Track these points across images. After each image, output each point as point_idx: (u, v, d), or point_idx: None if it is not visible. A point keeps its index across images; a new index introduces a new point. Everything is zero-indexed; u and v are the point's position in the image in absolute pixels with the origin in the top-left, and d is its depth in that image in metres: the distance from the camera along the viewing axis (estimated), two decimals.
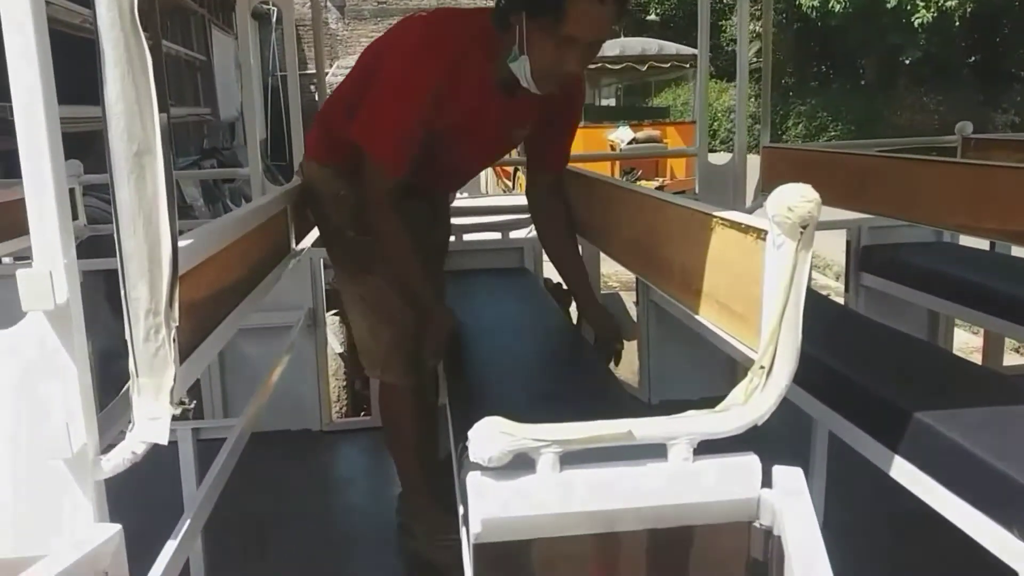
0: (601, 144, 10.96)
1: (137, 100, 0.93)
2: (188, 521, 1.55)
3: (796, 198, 1.03)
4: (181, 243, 1.17)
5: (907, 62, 18.43)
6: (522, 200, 2.42)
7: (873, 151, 3.39)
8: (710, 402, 3.42)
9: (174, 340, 1.00)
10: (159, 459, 1.28)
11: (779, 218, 1.04)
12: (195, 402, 3.29)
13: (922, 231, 3.25)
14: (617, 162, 10.39)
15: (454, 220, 3.06)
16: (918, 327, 3.34)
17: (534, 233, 3.10)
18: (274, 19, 8.84)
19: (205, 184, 7.51)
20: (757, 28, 20.55)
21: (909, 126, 17.59)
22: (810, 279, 3.03)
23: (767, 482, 1.10)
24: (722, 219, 1.25)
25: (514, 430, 1.06)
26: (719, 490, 1.09)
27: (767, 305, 1.09)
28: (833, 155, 3.22)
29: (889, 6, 16.42)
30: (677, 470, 1.09)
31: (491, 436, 1.05)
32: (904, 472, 1.59)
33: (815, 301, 2.73)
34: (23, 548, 0.99)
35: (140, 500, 1.40)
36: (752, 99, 20.79)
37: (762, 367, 1.11)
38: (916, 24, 16.54)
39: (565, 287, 2.40)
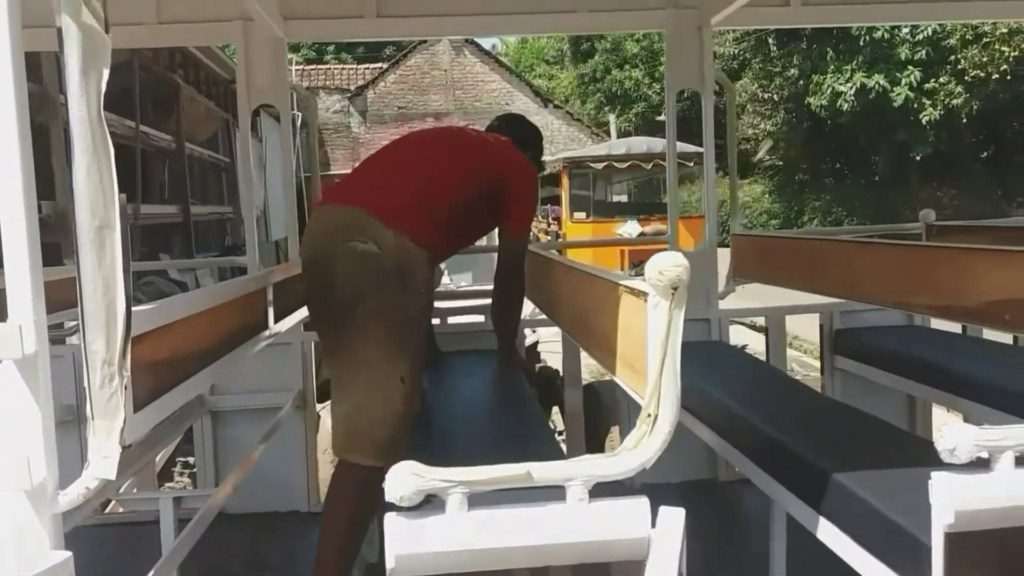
0: (611, 237, 11.23)
1: (100, 183, 1.11)
2: (166, 561, 1.68)
3: (666, 263, 1.18)
4: (148, 307, 1.35)
5: (918, 158, 18.75)
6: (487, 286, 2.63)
7: (841, 237, 3.54)
8: (692, 486, 3.48)
9: (126, 388, 1.15)
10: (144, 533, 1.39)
11: (653, 280, 1.19)
12: (188, 472, 3.42)
13: (893, 314, 3.36)
14: (626, 256, 10.61)
15: (440, 304, 3.24)
16: (896, 410, 3.41)
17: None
18: (299, 123, 9.28)
19: (222, 274, 7.81)
20: (768, 127, 20.92)
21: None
22: (786, 362, 3.14)
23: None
24: (623, 286, 1.40)
25: (424, 472, 1.20)
26: (612, 529, 1.21)
27: (649, 359, 1.23)
28: (799, 241, 3.38)
29: (896, 105, 16.86)
30: (573, 510, 1.22)
31: (402, 477, 1.19)
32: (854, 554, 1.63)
33: (785, 384, 2.85)
34: None
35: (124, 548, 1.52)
36: (767, 195, 21.07)
37: (649, 415, 1.24)
38: (924, 121, 16.94)
39: (550, 369, 2.58)
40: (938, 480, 1.27)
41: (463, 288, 7.60)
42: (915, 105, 16.92)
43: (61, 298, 2.90)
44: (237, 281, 2.03)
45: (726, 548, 2.85)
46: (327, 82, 20.83)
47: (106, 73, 1.11)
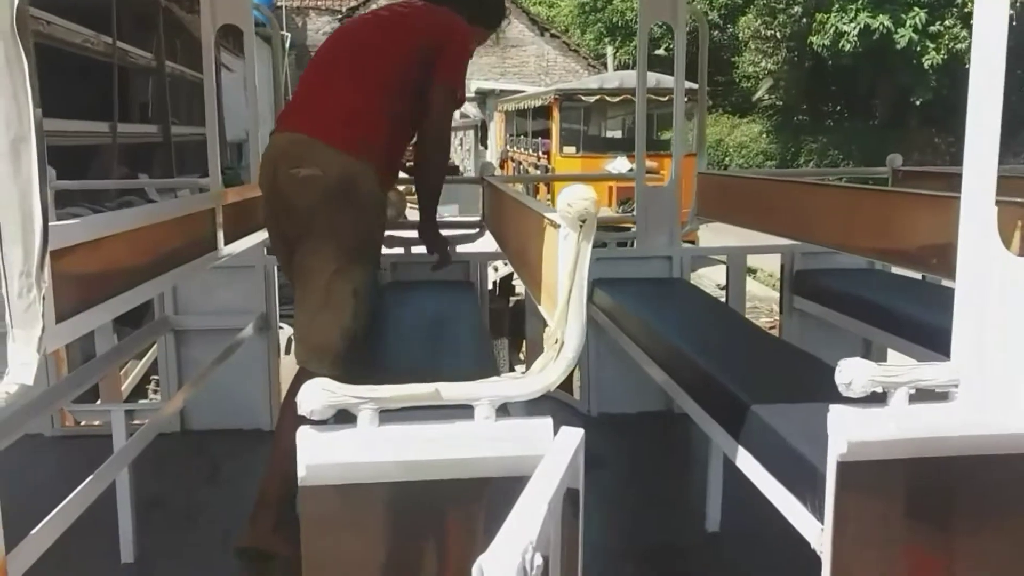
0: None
1: (15, 96, 1.13)
2: (94, 474, 1.75)
3: (575, 196, 1.21)
4: (76, 222, 1.38)
5: (918, 103, 18.56)
6: (471, 217, 2.62)
7: (805, 179, 3.56)
8: (649, 416, 3.60)
9: (44, 299, 1.19)
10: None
11: (562, 213, 1.22)
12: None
13: (854, 258, 3.39)
14: (614, 192, 10.58)
15: (404, 233, 3.26)
16: (851, 353, 3.45)
17: (481, 248, 3.30)
18: (287, 44, 9.11)
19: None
20: (769, 66, 20.58)
21: (919, 165, 17.71)
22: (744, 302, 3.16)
23: None
24: (546, 217, 1.43)
25: (336, 388, 1.24)
26: (514, 446, 1.27)
27: (559, 287, 1.27)
28: (764, 182, 3.39)
29: (899, 47, 16.61)
30: (479, 428, 1.27)
31: (314, 393, 1.23)
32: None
33: (734, 323, 2.90)
34: None
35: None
36: (764, 135, 20.90)
37: (556, 341, 1.28)
38: (926, 65, 16.71)
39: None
40: (835, 412, 1.33)
41: (447, 219, 7.59)
42: (918, 48, 16.65)
43: None
44: (181, 200, 2.06)
45: (670, 477, 2.95)
46: (318, 3, 20.39)
47: None
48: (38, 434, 3.06)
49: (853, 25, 16.66)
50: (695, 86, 3.93)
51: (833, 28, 17.01)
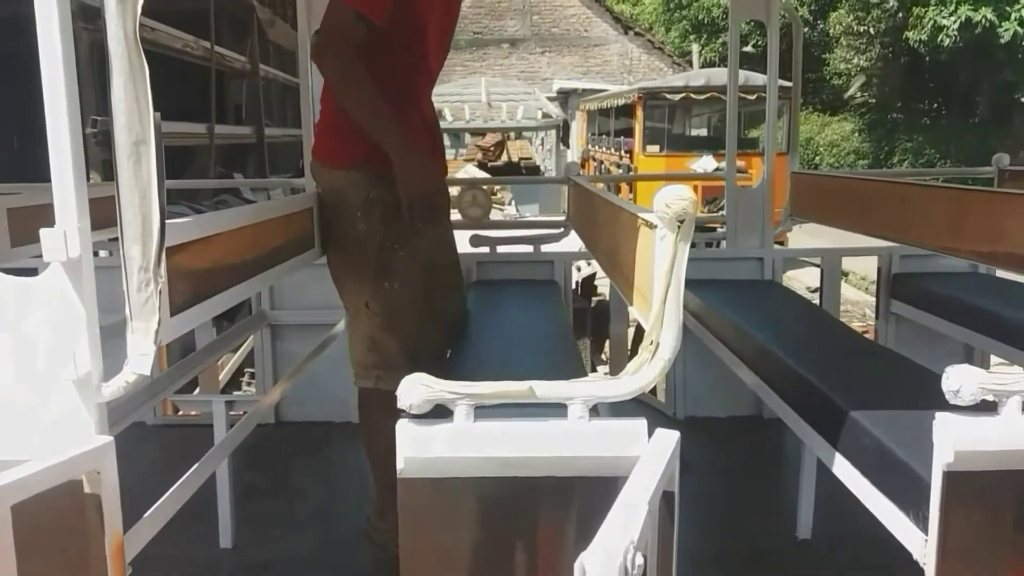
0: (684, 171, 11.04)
1: (136, 100, 1.19)
2: (201, 461, 1.83)
3: (673, 197, 1.20)
4: (188, 220, 1.45)
5: (1023, 99, 17.70)
6: (555, 217, 2.62)
7: (905, 179, 3.44)
8: (738, 421, 3.55)
9: (160, 293, 1.25)
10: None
11: (660, 213, 1.22)
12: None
13: (956, 261, 3.26)
14: (699, 192, 10.42)
15: (490, 233, 3.29)
16: (952, 359, 3.32)
17: (565, 248, 3.30)
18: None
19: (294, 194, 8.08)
20: (862, 62, 19.91)
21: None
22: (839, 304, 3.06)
23: None
24: (641, 218, 1.43)
25: (433, 383, 1.27)
26: (608, 447, 1.27)
27: (655, 289, 1.26)
28: (861, 181, 3.29)
29: (1003, 41, 15.85)
30: (573, 427, 1.28)
31: (413, 387, 1.26)
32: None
33: (829, 327, 2.82)
34: (38, 452, 1.25)
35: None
36: (857, 134, 20.24)
37: (651, 342, 1.28)
38: None
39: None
40: (941, 420, 1.28)
41: (526, 219, 7.63)
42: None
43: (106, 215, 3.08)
44: (282, 201, 2.13)
45: (761, 483, 2.90)
46: None
47: None
48: (141, 422, 3.22)
49: (953, 19, 15.98)
50: (784, 84, 3.84)
51: (931, 22, 16.35)
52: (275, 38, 9.06)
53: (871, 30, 18.83)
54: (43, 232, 1.19)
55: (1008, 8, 15.66)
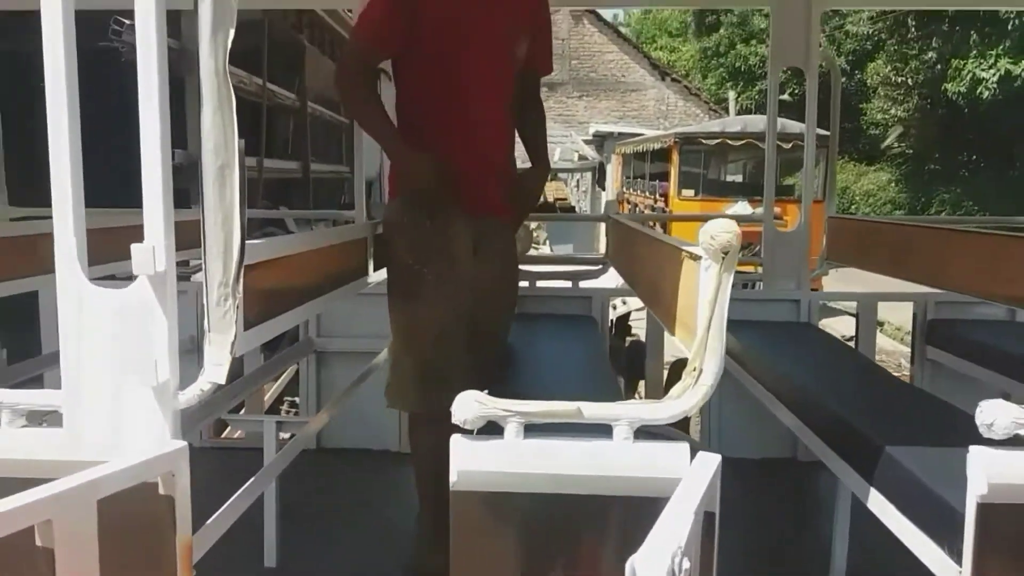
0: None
1: (223, 128, 1.30)
2: (253, 479, 1.91)
3: (718, 229, 1.28)
4: (260, 242, 1.55)
5: None
6: (594, 254, 2.70)
7: (943, 225, 3.47)
8: (772, 463, 3.57)
9: (237, 307, 1.34)
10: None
11: (705, 245, 1.29)
12: (294, 410, 3.75)
13: (993, 308, 3.28)
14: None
15: (530, 268, 3.37)
16: None
17: (606, 284, 3.37)
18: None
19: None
20: (899, 113, 19.86)
21: None
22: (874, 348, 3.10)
23: None
24: (684, 251, 1.50)
25: (486, 401, 1.35)
26: (651, 468, 1.33)
27: (699, 317, 1.33)
28: (899, 227, 3.33)
29: None
30: (618, 447, 1.34)
31: (467, 403, 1.34)
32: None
33: (865, 369, 2.86)
34: (115, 453, 1.34)
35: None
36: (893, 184, 20.12)
37: (694, 368, 1.34)
38: None
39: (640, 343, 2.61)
40: (975, 453, 1.33)
41: (545, 255, 7.72)
42: None
43: (188, 238, 3.21)
44: (340, 229, 2.24)
45: (795, 523, 2.91)
46: None
47: (232, 32, 1.29)
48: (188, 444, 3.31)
49: (992, 72, 15.97)
50: (821, 132, 3.91)
51: (970, 75, 16.34)
52: (323, 78, 9.35)
53: (909, 81, 18.84)
54: (134, 247, 1.29)
55: None
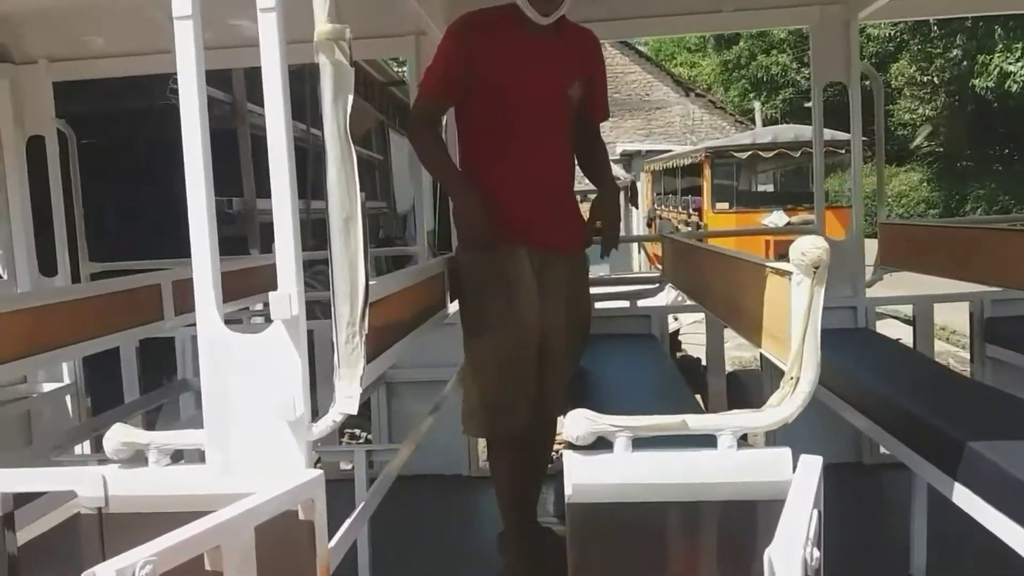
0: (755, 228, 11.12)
1: (347, 184, 1.42)
2: (359, 510, 2.02)
3: (808, 246, 1.37)
4: (373, 282, 1.67)
5: None
6: (651, 274, 2.81)
7: (993, 225, 3.52)
8: (839, 467, 3.61)
9: (364, 344, 1.46)
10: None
11: (796, 261, 1.39)
12: (368, 436, 3.85)
13: None
14: (771, 246, 10.47)
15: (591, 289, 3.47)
16: None
17: (662, 302, 3.46)
18: (444, 122, 9.73)
19: (378, 264, 8.44)
20: (927, 112, 19.72)
21: None
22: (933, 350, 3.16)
23: None
24: (769, 267, 1.60)
25: (595, 418, 1.45)
26: (757, 473, 1.42)
27: (793, 329, 1.43)
28: (950, 229, 3.39)
29: None
30: (723, 455, 1.43)
31: (578, 421, 1.44)
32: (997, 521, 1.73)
33: (930, 368, 2.91)
34: (256, 484, 1.46)
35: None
36: (925, 183, 19.96)
37: (792, 377, 1.43)
38: None
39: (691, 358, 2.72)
40: None
41: (602, 276, 7.80)
42: None
43: (244, 286, 3.34)
44: (422, 267, 2.37)
45: (870, 525, 2.95)
46: None
47: (351, 98, 1.42)
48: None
49: (1020, 64, 15.87)
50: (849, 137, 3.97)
51: (997, 69, 16.28)
52: (358, 118, 9.58)
53: (935, 79, 18.79)
54: (272, 295, 1.41)
55: None
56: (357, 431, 5.35)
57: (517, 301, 2.40)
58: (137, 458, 1.54)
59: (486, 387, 2.46)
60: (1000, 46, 16.35)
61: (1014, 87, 16.17)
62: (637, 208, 15.87)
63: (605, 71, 2.69)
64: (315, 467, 1.53)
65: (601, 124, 2.72)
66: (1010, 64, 16.07)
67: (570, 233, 2.56)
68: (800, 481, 1.27)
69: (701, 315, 3.72)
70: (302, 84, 7.41)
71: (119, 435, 1.49)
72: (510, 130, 2.42)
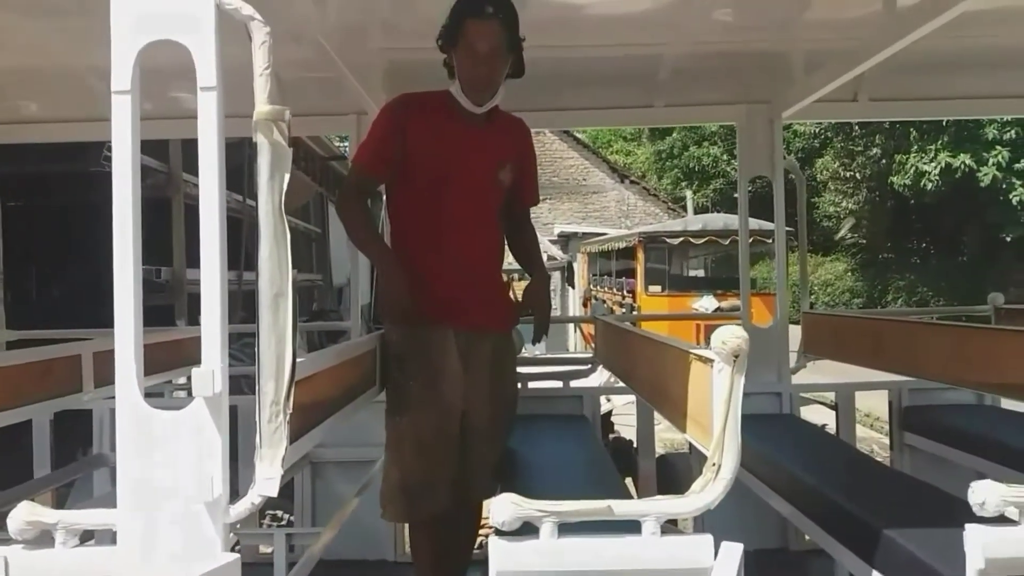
0: (686, 311, 11.36)
1: (278, 260, 1.42)
2: None
3: (728, 335, 1.42)
4: (301, 360, 1.65)
5: (1008, 239, 18.32)
6: (585, 354, 2.84)
7: (911, 319, 3.68)
8: (766, 554, 3.63)
9: (287, 424, 1.44)
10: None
11: (717, 349, 1.43)
12: (290, 518, 3.73)
13: (962, 393, 3.45)
14: (702, 330, 10.69)
15: (522, 369, 3.48)
16: (965, 487, 3.46)
17: (594, 383, 3.49)
18: (384, 198, 9.79)
19: (311, 338, 8.33)
20: (850, 205, 20.62)
21: (1017, 302, 17.27)
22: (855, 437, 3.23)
23: None
24: (692, 353, 1.64)
25: (522, 502, 1.44)
26: (680, 559, 1.43)
27: (714, 416, 1.46)
28: (870, 321, 3.53)
29: (983, 185, 16.61)
30: (647, 541, 1.44)
31: (504, 506, 1.44)
32: None
33: (851, 456, 2.98)
34: (170, 568, 1.40)
35: None
36: (850, 273, 20.72)
37: (714, 464, 1.46)
38: (1015, 201, 16.62)
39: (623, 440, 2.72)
40: (971, 531, 1.45)
41: (536, 355, 7.85)
42: (1003, 185, 16.64)
43: (169, 358, 3.24)
44: (354, 343, 2.35)
45: None
46: None
47: (287, 177, 1.43)
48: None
49: (934, 165, 16.82)
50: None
51: (913, 168, 17.20)
52: (295, 190, 9.57)
53: (857, 175, 19.75)
54: (194, 371, 1.38)
55: (985, 154, 16.50)
56: (279, 512, 5.18)
57: (440, 380, 2.41)
58: (43, 538, 1.47)
59: (405, 468, 2.43)
60: (915, 147, 17.33)
61: (929, 185, 17.07)
62: (574, 288, 16.10)
63: (535, 158, 2.76)
64: (233, 550, 1.48)
65: (537, 206, 2.79)
66: (925, 164, 17.01)
67: (497, 313, 2.58)
68: (720, 569, 1.28)
69: (634, 396, 3.76)
70: (240, 155, 7.41)
71: (24, 514, 1.42)
72: (440, 211, 2.46)
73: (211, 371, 1.39)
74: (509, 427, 2.63)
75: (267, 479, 1.44)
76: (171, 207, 5.92)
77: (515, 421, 3.25)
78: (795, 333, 3.69)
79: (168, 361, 3.15)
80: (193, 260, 1.44)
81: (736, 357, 1.43)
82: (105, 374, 2.70)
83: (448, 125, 2.43)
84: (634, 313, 13.33)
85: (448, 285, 2.44)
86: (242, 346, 6.56)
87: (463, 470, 2.43)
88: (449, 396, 2.41)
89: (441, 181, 2.44)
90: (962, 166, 16.48)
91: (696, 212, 19.19)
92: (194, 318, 3.84)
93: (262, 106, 1.38)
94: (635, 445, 3.89)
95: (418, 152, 2.42)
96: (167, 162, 5.99)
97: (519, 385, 3.44)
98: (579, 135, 23.00)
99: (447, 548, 2.54)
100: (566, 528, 1.46)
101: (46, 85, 3.35)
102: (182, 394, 3.73)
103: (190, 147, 1.46)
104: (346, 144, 9.47)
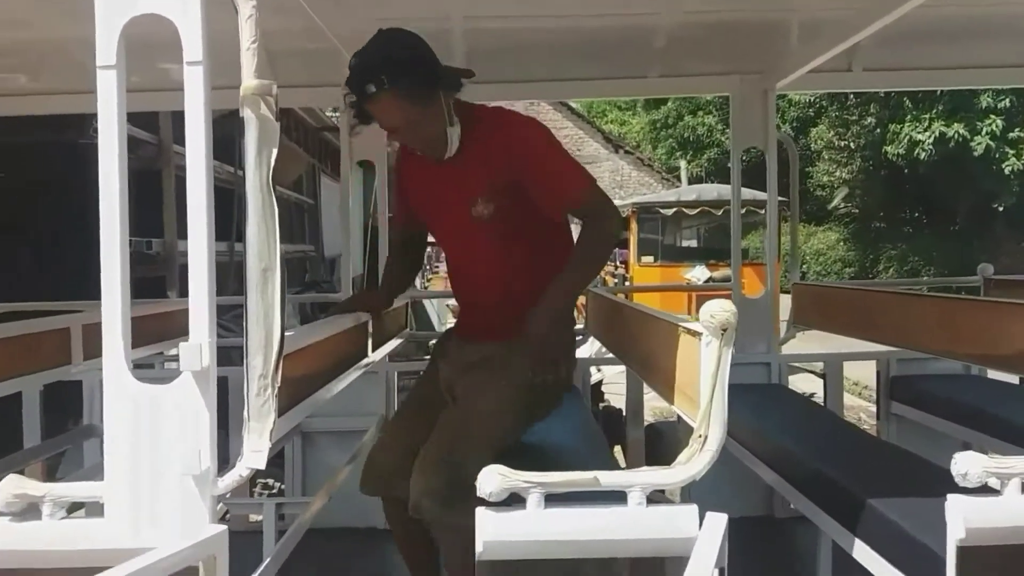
0: (679, 281, 11.39)
1: (267, 235, 1.42)
2: (265, 565, 1.98)
3: (717, 309, 1.43)
4: (291, 333, 1.66)
5: (1001, 208, 18.36)
6: (577, 325, 2.84)
7: (900, 289, 3.70)
8: (751, 521, 3.68)
9: (275, 398, 1.45)
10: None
11: (705, 323, 1.44)
12: (281, 486, 3.75)
13: (949, 363, 3.48)
14: (694, 300, 10.71)
15: None
16: (950, 456, 3.51)
17: (585, 353, 3.50)
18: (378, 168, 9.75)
19: (303, 310, 8.31)
20: (844, 175, 20.60)
21: (1008, 272, 17.36)
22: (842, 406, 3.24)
23: None
24: (682, 326, 1.65)
25: (509, 474, 1.46)
26: (665, 529, 1.45)
27: (702, 388, 1.47)
28: (859, 291, 3.55)
29: (976, 154, 16.61)
30: (633, 511, 1.46)
31: (491, 477, 1.45)
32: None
33: (837, 425, 3.01)
34: (157, 539, 1.41)
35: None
36: (842, 243, 20.74)
37: (700, 435, 1.47)
38: (1007, 171, 16.63)
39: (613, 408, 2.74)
40: (952, 501, 1.47)
41: None
42: (997, 155, 16.64)
43: (160, 329, 3.23)
44: (347, 316, 2.34)
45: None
46: None
47: (275, 152, 1.42)
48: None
49: (928, 134, 16.78)
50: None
51: (907, 137, 17.16)
52: (286, 161, 9.51)
53: (851, 144, 19.70)
54: (182, 345, 1.39)
55: (979, 124, 16.47)
56: (271, 480, 5.22)
57: (431, 373, 2.53)
58: (31, 511, 1.48)
59: (383, 444, 2.52)
60: (909, 116, 17.28)
61: (923, 155, 17.05)
62: None
63: (542, 165, 2.35)
64: (223, 519, 1.49)
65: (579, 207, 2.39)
66: (919, 133, 16.97)
67: (498, 328, 2.34)
68: (704, 539, 1.30)
69: (624, 367, 3.78)
70: (232, 125, 7.33)
71: (11, 487, 1.43)
72: (441, 246, 2.71)
73: (199, 345, 1.39)
74: (493, 434, 2.30)
75: (254, 452, 1.45)
76: (161, 179, 5.89)
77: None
78: (786, 303, 3.71)
79: (159, 333, 3.15)
80: (184, 232, 1.43)
81: (724, 331, 1.44)
82: (95, 346, 2.70)
83: (421, 172, 2.42)
84: (626, 284, 13.38)
85: (461, 304, 2.62)
86: (233, 317, 6.58)
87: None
88: (430, 387, 2.50)
89: (429, 223, 2.57)
90: (956, 135, 16.45)
91: (690, 182, 19.13)
92: (185, 290, 3.83)
93: (249, 80, 1.37)
94: (624, 413, 3.92)
95: (411, 199, 2.55)
96: (157, 134, 5.95)
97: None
98: (573, 105, 22.84)
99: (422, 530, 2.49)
100: (553, 499, 1.47)
101: (34, 57, 3.31)
102: (173, 366, 3.72)
103: (180, 119, 1.44)
104: (336, 115, 9.40)
